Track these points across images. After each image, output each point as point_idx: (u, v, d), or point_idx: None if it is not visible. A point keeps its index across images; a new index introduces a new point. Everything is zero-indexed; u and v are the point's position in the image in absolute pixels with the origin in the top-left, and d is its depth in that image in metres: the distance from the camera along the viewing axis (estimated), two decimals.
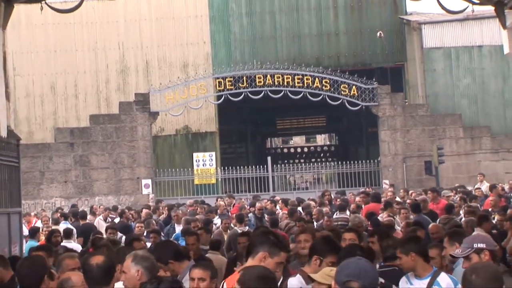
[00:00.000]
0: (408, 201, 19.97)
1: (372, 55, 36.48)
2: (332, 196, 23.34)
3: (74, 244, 14.53)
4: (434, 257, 8.52)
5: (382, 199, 21.64)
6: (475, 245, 7.12)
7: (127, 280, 6.98)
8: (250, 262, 6.57)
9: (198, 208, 22.19)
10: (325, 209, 19.01)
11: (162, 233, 16.66)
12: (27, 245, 15.38)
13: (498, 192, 21.40)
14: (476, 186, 25.72)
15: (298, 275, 7.49)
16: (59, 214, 21.75)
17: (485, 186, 25.47)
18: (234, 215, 18.26)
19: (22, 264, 7.36)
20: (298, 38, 36.68)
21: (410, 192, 24.30)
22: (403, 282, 7.67)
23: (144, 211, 21.63)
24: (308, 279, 7.14)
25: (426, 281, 7.46)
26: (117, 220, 20.86)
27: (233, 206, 22.74)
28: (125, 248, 9.21)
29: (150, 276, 6.29)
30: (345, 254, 7.61)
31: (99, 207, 26.29)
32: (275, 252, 6.56)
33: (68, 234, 15.54)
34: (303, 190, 36.52)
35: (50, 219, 21.02)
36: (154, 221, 18.51)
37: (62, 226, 18.92)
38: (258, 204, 22.76)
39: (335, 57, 36.40)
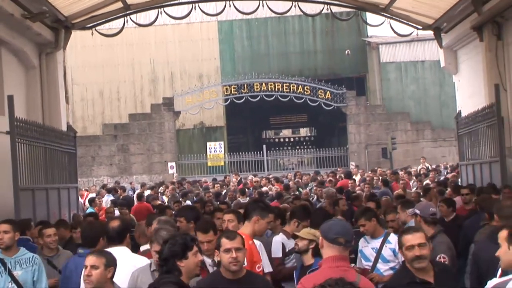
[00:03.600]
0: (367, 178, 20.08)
1: (341, 67, 36.41)
2: (311, 175, 23.26)
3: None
4: (394, 220, 8.58)
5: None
6: (431, 209, 7.24)
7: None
8: (247, 224, 6.63)
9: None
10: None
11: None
12: (87, 211, 15.40)
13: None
14: (420, 167, 25.86)
15: (281, 233, 7.62)
16: (103, 189, 21.75)
17: (426, 166, 25.73)
18: (239, 189, 18.40)
19: (85, 227, 7.39)
20: (286, 55, 36.64)
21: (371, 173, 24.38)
22: (362, 241, 7.65)
23: (170, 186, 21.61)
24: (289, 236, 7.24)
25: (380, 240, 7.48)
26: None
27: (239, 182, 22.73)
28: (158, 214, 9.23)
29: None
30: (317, 216, 7.70)
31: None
32: (265, 214, 6.65)
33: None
34: (290, 170, 36.48)
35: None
36: (177, 194, 18.54)
37: (106, 198, 18.99)
38: (254, 179, 22.89)
39: (313, 69, 36.34)
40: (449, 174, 21.64)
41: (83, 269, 5.39)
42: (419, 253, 5.23)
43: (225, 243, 5.26)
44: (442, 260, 6.71)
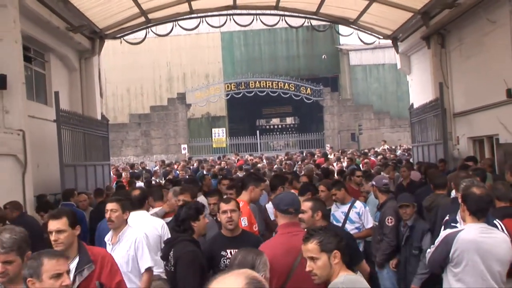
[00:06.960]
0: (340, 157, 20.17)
1: (319, 69, 36.44)
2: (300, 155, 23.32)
3: (141, 183, 14.65)
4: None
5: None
6: (384, 181, 7.31)
7: (168, 206, 7.14)
8: (244, 193, 6.61)
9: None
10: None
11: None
12: (115, 183, 15.52)
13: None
14: (381, 148, 26.00)
15: (270, 202, 7.63)
16: (127, 166, 21.75)
17: (385, 147, 25.84)
18: (238, 166, 18.47)
19: (113, 195, 7.44)
20: (275, 59, 36.62)
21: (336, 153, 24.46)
22: (333, 207, 7.67)
23: (182, 163, 21.65)
24: None
25: (348, 206, 7.54)
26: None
27: (237, 160, 22.82)
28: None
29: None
30: (303, 188, 7.80)
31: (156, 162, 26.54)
32: (258, 184, 6.65)
33: (138, 177, 15.68)
34: (278, 151, 36.62)
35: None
36: (189, 169, 18.67)
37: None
38: (249, 157, 22.98)
39: (297, 70, 36.36)
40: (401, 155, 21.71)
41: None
42: None
43: (222, 206, 5.17)
44: (389, 221, 6.80)
